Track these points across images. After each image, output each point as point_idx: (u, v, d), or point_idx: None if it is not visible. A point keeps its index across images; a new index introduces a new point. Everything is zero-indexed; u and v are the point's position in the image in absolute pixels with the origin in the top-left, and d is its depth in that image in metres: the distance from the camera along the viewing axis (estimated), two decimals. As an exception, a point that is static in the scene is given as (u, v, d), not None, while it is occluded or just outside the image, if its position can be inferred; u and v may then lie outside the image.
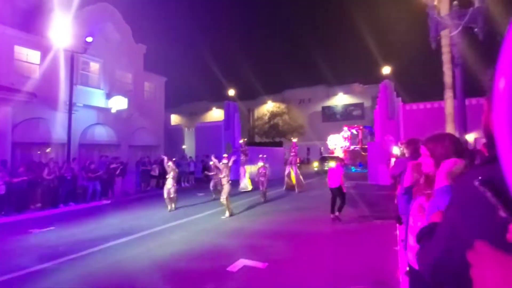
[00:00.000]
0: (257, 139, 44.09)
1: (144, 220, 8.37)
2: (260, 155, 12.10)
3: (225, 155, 8.92)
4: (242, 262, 4.88)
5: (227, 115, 20.58)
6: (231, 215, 7.96)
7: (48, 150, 14.23)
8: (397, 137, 15.42)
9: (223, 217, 7.89)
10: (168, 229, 7.27)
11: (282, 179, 14.09)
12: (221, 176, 8.26)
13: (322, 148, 32.03)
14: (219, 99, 43.37)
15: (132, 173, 14.93)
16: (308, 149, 41.16)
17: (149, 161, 15.28)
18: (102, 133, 16.76)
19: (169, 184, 8.91)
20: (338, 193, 7.84)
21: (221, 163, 8.47)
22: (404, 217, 2.92)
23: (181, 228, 7.33)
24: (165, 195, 8.82)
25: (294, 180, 13.36)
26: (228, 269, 4.62)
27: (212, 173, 11.00)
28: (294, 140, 15.02)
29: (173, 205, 9.31)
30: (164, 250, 5.68)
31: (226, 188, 8.05)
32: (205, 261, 5.01)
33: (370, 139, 24.20)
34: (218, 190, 10.26)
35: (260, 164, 10.81)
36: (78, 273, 4.58)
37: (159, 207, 10.29)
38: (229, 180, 8.16)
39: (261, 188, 10.48)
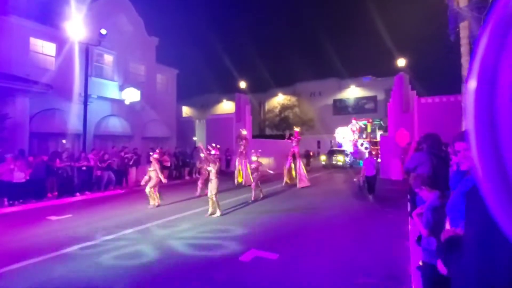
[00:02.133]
0: (268, 131, 43.99)
1: (155, 209, 8.51)
2: (253, 150, 11.58)
3: (213, 145, 8.63)
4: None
5: (238, 107, 20.54)
6: (220, 211, 7.49)
7: (64, 140, 14.62)
8: (411, 131, 15.14)
9: (216, 214, 7.43)
10: (179, 219, 7.38)
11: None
12: (209, 169, 7.61)
13: (332, 141, 31.67)
14: (230, 91, 43.39)
15: (146, 164, 15.17)
16: (319, 142, 40.87)
17: (161, 152, 15.45)
18: (116, 124, 16.99)
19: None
20: (374, 180, 9.97)
21: (210, 155, 7.96)
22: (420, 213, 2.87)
23: (191, 218, 7.41)
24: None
25: (294, 174, 12.77)
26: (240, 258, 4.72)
27: (201, 166, 10.66)
28: (297, 129, 13.70)
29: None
30: (177, 238, 5.79)
31: (214, 183, 7.46)
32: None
33: (379, 133, 23.85)
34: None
35: (253, 158, 10.16)
36: (95, 260, 4.73)
37: (170, 196, 10.49)
38: (217, 175, 7.56)
39: (253, 185, 9.83)
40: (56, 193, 10.40)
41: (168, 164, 15.46)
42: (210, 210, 7.55)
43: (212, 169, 7.53)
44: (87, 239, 5.76)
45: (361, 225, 6.70)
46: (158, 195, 8.96)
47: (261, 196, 9.77)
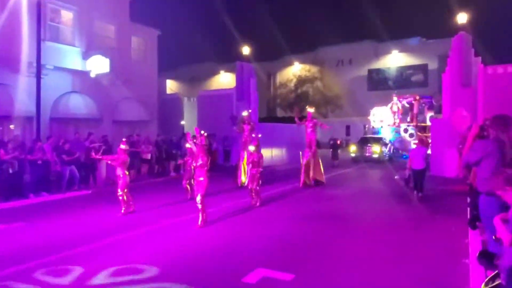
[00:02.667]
0: (280, 113, 43.83)
1: (131, 215, 8.72)
2: (254, 135, 11.54)
3: (202, 132, 8.58)
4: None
5: (239, 80, 20.40)
6: (204, 222, 7.60)
7: (11, 126, 14.72)
8: (474, 111, 14.89)
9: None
10: (162, 228, 7.51)
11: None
12: (193, 165, 7.67)
13: (366, 126, 31.49)
14: (229, 59, 43.11)
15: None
16: (348, 127, 40.58)
17: (138, 140, 15.58)
18: (79, 104, 17.09)
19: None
20: (422, 175, 10.25)
21: (194, 146, 7.92)
22: (486, 221, 2.84)
23: (177, 228, 7.55)
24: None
25: (311, 172, 12.73)
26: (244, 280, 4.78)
27: (182, 160, 10.66)
28: (310, 110, 13.38)
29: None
30: (161, 254, 5.89)
31: (202, 182, 7.52)
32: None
33: (429, 114, 23.52)
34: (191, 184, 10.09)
35: (251, 148, 9.79)
36: (53, 282, 4.80)
37: (151, 199, 10.76)
38: (207, 172, 7.61)
39: (250, 185, 9.67)
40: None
41: (148, 156, 15.57)
42: (200, 219, 7.63)
43: (198, 163, 7.48)
44: (42, 255, 5.87)
45: (403, 238, 6.71)
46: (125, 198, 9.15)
47: (258, 203, 9.61)
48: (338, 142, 22.18)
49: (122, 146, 9.24)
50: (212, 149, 18.78)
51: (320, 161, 13.31)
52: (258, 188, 9.61)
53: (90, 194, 12.17)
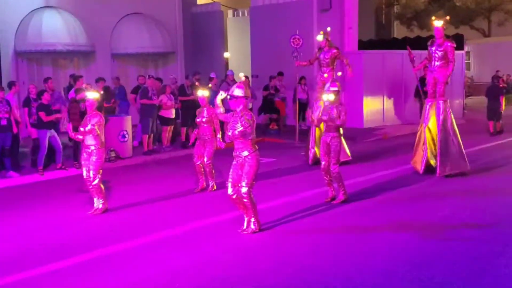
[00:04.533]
0: (400, 32, 42.27)
1: (106, 219, 9.21)
2: (242, 76, 11.80)
3: (241, 76, 8.48)
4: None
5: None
6: (257, 225, 8.18)
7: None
8: None
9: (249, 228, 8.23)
10: (183, 236, 8.07)
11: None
12: (231, 132, 7.89)
13: None
14: None
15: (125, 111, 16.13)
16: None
17: (153, 86, 15.63)
18: (57, 28, 17.56)
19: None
20: None
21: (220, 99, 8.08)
22: None
23: (209, 235, 8.08)
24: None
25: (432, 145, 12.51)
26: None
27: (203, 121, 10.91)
28: (437, 24, 12.37)
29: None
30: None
31: (249, 162, 7.95)
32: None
33: None
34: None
35: (327, 97, 9.98)
36: None
37: (167, 186, 11.57)
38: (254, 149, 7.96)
39: (324, 162, 10.05)
40: None
41: (172, 113, 15.88)
42: (247, 222, 8.20)
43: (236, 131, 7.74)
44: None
45: None
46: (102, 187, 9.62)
47: (341, 197, 10.04)
48: (501, 83, 20.95)
49: (91, 95, 9.47)
50: (274, 99, 18.88)
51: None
52: (337, 171, 9.90)
53: (81, 176, 12.90)
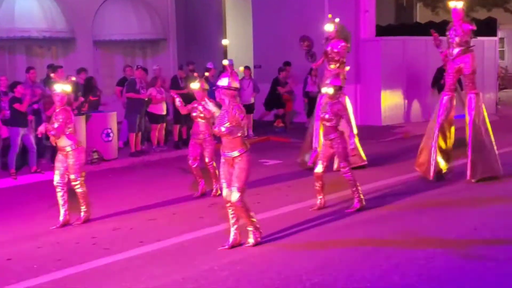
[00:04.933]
0: (422, 15, 42.15)
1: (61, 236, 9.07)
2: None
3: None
4: None
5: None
6: (257, 239, 8.15)
7: None
8: None
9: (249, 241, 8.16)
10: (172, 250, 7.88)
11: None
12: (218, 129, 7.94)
13: None
14: None
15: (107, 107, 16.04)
16: None
17: (141, 78, 15.44)
18: (31, 12, 17.58)
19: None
20: None
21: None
22: None
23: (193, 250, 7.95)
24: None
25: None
26: None
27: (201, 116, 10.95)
28: (455, 4, 12.43)
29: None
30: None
31: (240, 164, 7.94)
32: None
33: None
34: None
35: (327, 90, 10.18)
36: None
37: (159, 192, 11.46)
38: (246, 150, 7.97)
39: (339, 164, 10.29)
40: None
41: (163, 109, 15.83)
42: (232, 236, 8.07)
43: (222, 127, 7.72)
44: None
45: None
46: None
47: (356, 205, 10.06)
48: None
49: (59, 88, 9.41)
50: (281, 92, 18.76)
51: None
52: (350, 176, 9.96)
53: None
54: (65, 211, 9.36)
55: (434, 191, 11.50)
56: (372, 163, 13.81)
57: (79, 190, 9.32)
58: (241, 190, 7.66)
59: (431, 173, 12.23)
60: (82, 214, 9.46)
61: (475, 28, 12.47)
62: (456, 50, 12.29)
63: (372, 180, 12.07)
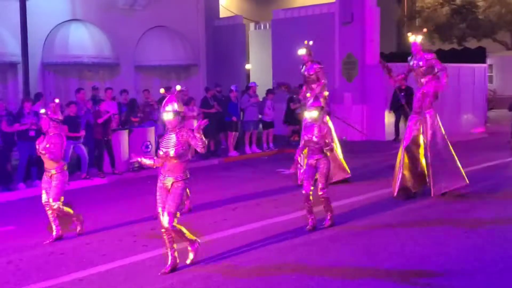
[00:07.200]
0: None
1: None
2: (319, 85, 11.47)
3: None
4: None
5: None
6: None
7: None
8: None
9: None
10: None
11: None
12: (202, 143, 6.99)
13: None
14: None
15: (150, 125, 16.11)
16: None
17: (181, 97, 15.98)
18: (83, 40, 18.17)
19: None
20: None
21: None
22: None
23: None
24: None
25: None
26: None
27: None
28: (415, 38, 11.70)
29: None
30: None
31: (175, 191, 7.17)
32: None
33: None
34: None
35: (310, 114, 9.32)
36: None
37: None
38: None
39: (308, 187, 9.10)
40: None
41: (194, 124, 16.22)
42: (170, 259, 7.19)
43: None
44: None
45: None
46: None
47: (327, 223, 9.21)
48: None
49: (43, 111, 8.98)
50: (292, 108, 19.04)
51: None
52: (326, 196, 9.07)
53: (106, 185, 13.12)
54: (56, 226, 8.81)
55: (400, 207, 10.54)
56: (358, 177, 13.18)
57: (50, 211, 8.75)
58: (173, 215, 6.89)
59: (395, 192, 11.41)
60: (54, 232, 8.82)
61: (434, 54, 11.83)
62: (423, 80, 11.61)
63: (351, 195, 11.47)
